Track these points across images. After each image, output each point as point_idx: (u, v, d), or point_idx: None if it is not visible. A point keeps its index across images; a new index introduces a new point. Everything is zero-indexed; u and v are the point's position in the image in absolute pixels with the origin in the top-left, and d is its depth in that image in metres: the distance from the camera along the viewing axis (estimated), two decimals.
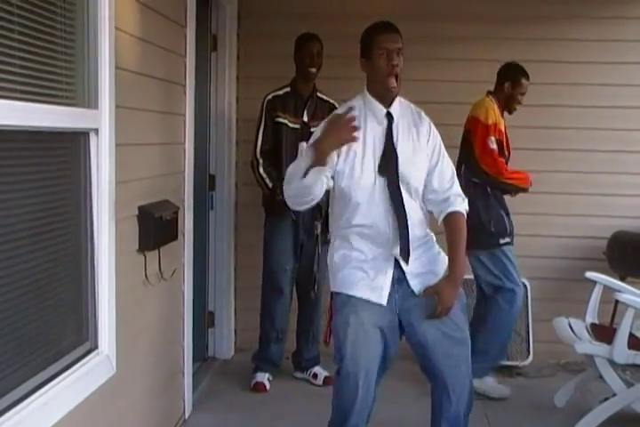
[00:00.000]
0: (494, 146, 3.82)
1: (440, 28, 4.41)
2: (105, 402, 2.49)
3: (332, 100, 3.99)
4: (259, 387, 3.94)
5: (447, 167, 2.69)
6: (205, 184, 4.30)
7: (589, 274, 3.74)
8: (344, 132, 2.49)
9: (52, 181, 2.24)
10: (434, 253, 2.71)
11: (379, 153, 2.61)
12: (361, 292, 2.60)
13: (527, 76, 3.92)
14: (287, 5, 4.45)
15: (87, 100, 2.38)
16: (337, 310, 2.66)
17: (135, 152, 2.78)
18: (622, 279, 3.95)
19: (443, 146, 2.71)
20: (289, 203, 2.68)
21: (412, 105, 2.74)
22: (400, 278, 2.61)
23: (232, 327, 4.57)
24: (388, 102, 2.64)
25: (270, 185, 3.87)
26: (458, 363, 2.63)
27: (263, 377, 3.99)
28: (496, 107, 3.90)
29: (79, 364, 2.33)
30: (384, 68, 2.56)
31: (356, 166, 2.59)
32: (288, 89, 3.96)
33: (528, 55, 4.19)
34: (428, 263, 2.66)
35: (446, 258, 2.67)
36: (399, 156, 2.61)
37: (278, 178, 3.72)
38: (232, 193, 4.48)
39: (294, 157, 3.79)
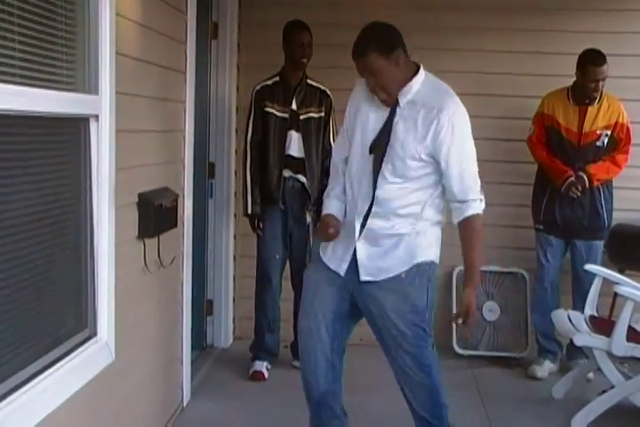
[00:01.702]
0: (531, 133, 4.08)
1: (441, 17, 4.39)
2: (104, 389, 2.49)
3: (322, 87, 3.99)
4: (257, 376, 3.95)
5: (464, 171, 2.62)
6: (205, 172, 4.29)
7: (589, 266, 3.75)
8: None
9: (53, 167, 2.24)
10: (408, 245, 2.66)
11: (374, 135, 2.64)
12: (326, 257, 2.74)
13: (596, 62, 3.86)
14: None
15: (87, 85, 2.37)
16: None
17: (135, 139, 2.77)
18: (621, 272, 3.96)
19: (464, 147, 2.64)
20: None
21: (441, 86, 2.67)
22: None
23: (230, 316, 4.57)
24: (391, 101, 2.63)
25: (250, 211, 3.91)
26: (405, 369, 2.70)
27: (261, 366, 4.00)
28: (564, 95, 3.99)
29: (78, 350, 2.33)
30: (369, 88, 2.64)
31: (353, 145, 2.69)
32: (277, 78, 3.95)
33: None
34: (384, 256, 2.65)
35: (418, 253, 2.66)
36: (392, 139, 2.59)
37: (260, 198, 3.88)
38: (231, 181, 4.46)
39: (282, 145, 3.87)
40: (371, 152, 2.62)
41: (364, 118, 2.67)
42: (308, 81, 3.97)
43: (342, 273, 2.68)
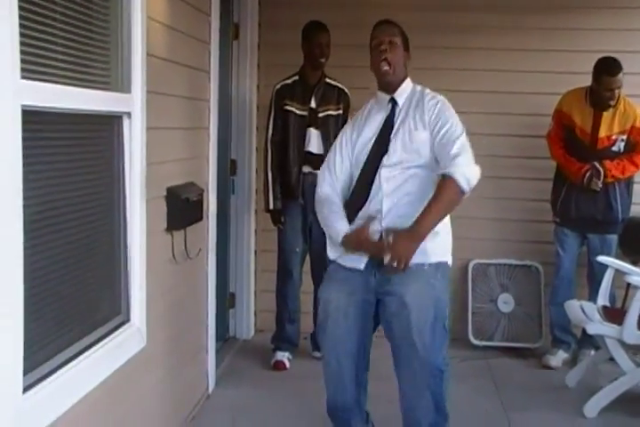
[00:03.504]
0: (550, 129, 4.17)
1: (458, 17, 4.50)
2: (135, 373, 2.62)
3: (340, 86, 4.11)
4: (279, 365, 4.08)
5: (450, 140, 2.59)
6: (227, 169, 4.42)
7: (601, 258, 3.86)
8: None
9: (89, 162, 2.37)
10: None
11: (377, 130, 2.72)
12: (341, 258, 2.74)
13: (611, 72, 3.91)
14: None
15: (121, 84, 2.50)
16: None
17: (164, 135, 2.90)
18: (634, 264, 4.04)
19: (452, 122, 2.64)
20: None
21: (426, 90, 2.77)
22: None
23: (252, 309, 4.70)
24: (391, 89, 2.73)
25: (271, 206, 4.03)
26: (414, 377, 2.61)
27: (283, 356, 4.13)
28: (582, 95, 4.06)
29: (113, 335, 2.46)
30: (374, 56, 2.71)
31: (357, 154, 2.75)
32: (296, 77, 4.07)
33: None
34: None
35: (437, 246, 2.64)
36: (393, 137, 2.66)
37: (281, 194, 4.00)
38: (252, 178, 4.59)
39: (301, 141, 4.00)
40: (373, 148, 2.70)
41: (369, 122, 2.76)
42: (327, 80, 4.09)
43: (362, 266, 2.64)
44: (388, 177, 2.64)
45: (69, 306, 2.24)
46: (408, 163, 2.64)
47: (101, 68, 2.36)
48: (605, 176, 4.03)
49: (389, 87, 2.74)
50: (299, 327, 4.23)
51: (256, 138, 4.59)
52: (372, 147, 2.71)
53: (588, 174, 4.03)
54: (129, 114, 2.54)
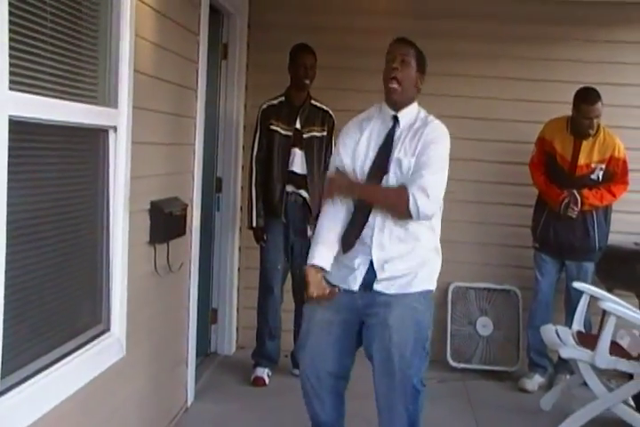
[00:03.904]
0: (533, 155, 4.28)
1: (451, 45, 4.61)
2: (114, 382, 2.65)
3: (325, 108, 4.19)
4: (258, 381, 4.11)
5: (425, 167, 2.63)
6: (212, 186, 4.49)
7: (577, 284, 3.91)
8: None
9: (74, 173, 2.44)
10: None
11: (375, 150, 2.74)
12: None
13: (589, 101, 4.02)
14: (295, 18, 4.64)
15: (108, 99, 2.57)
16: None
17: (149, 150, 2.97)
18: (609, 291, 4.11)
19: (439, 158, 2.68)
20: None
21: (429, 117, 2.77)
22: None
23: (234, 325, 4.74)
24: (397, 107, 2.75)
25: (254, 224, 4.11)
26: (392, 392, 2.66)
27: (262, 372, 4.16)
28: (564, 124, 4.16)
29: (92, 343, 2.51)
30: (385, 72, 2.74)
31: (356, 167, 2.76)
32: (282, 98, 4.16)
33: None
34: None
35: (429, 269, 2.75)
36: (392, 156, 2.69)
37: (264, 211, 4.08)
38: (237, 195, 4.66)
39: (285, 161, 4.08)
40: (370, 170, 2.72)
41: (366, 142, 2.76)
42: (312, 101, 4.18)
43: (357, 287, 2.69)
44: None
45: (49, 314, 2.28)
46: None
47: (89, 82, 2.43)
48: (583, 204, 4.11)
49: (395, 105, 2.76)
50: (279, 344, 4.27)
51: (242, 156, 4.66)
52: (371, 169, 2.72)
53: (565, 201, 4.11)
54: (115, 128, 2.61)
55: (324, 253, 2.73)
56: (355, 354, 2.80)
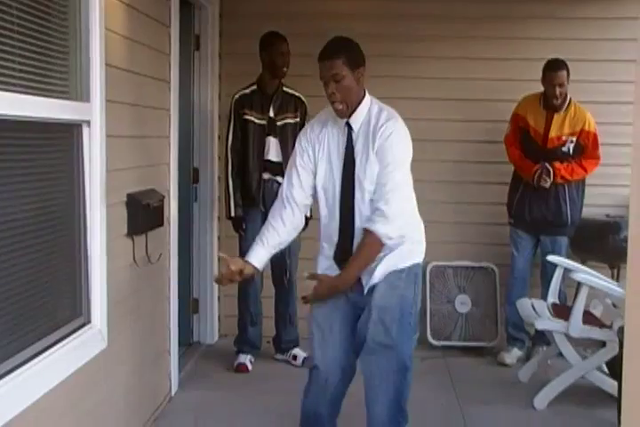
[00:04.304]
0: (508, 131, 4.38)
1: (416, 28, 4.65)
2: (96, 374, 2.69)
3: (297, 94, 4.22)
4: (241, 368, 4.17)
5: (387, 181, 2.64)
6: (189, 177, 4.51)
7: (551, 257, 4.04)
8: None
9: (49, 169, 2.46)
10: (395, 255, 2.74)
11: (340, 162, 2.72)
12: None
13: (554, 68, 4.16)
14: (266, 6, 4.66)
15: (80, 94, 2.59)
16: None
17: (124, 143, 2.99)
18: (583, 263, 4.23)
19: (397, 160, 2.66)
20: None
21: (383, 113, 2.71)
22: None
23: (215, 314, 4.78)
24: (349, 115, 2.71)
25: (233, 213, 4.14)
26: (380, 372, 2.70)
27: (245, 359, 4.21)
28: (537, 99, 4.28)
29: (73, 336, 2.54)
30: (326, 91, 2.68)
31: (325, 176, 2.75)
32: (254, 87, 4.17)
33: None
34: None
35: (410, 253, 2.77)
36: (356, 163, 2.68)
37: (242, 201, 4.10)
38: (215, 186, 4.68)
39: (261, 150, 4.10)
40: (342, 182, 2.71)
41: (326, 153, 2.74)
42: (284, 89, 4.20)
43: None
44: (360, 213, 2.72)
45: (29, 308, 2.30)
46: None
47: (60, 77, 2.45)
48: (555, 176, 4.20)
49: (345, 114, 2.71)
50: (260, 331, 4.32)
51: (218, 146, 4.68)
52: (343, 182, 2.71)
53: (538, 172, 4.22)
54: (88, 122, 2.63)
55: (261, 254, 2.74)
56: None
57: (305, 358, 4.19)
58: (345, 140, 2.73)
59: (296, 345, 4.33)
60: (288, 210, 2.76)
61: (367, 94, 2.75)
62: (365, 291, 2.75)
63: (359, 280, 2.75)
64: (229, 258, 2.74)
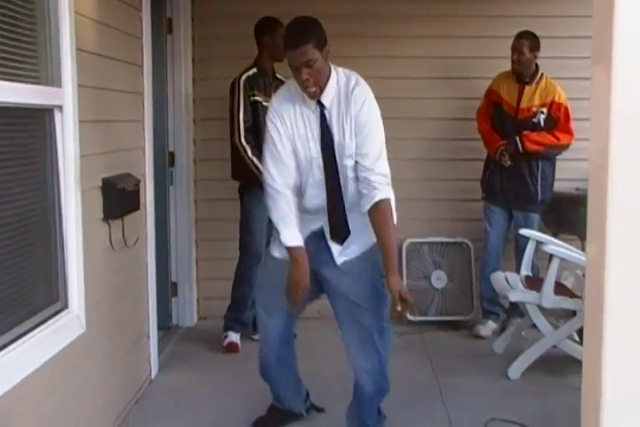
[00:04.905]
0: (481, 105, 4.47)
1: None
2: (75, 358, 2.71)
3: (284, 79, 4.20)
4: (233, 346, 4.18)
5: (373, 146, 2.67)
6: (165, 161, 4.51)
7: (522, 231, 4.12)
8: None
9: (22, 154, 2.46)
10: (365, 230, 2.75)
11: (317, 137, 2.72)
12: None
13: (515, 36, 4.27)
14: None
15: (51, 78, 2.58)
16: None
17: (97, 128, 2.99)
18: (555, 236, 4.31)
19: (375, 125, 2.69)
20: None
21: (351, 81, 2.71)
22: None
23: (194, 297, 4.80)
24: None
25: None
26: (361, 337, 2.80)
27: (237, 338, 4.23)
28: (509, 74, 4.38)
29: (51, 321, 2.55)
30: (296, 78, 2.66)
31: (300, 151, 2.75)
32: (255, 70, 4.14)
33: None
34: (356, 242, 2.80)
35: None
36: (334, 139, 2.70)
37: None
38: (191, 169, 4.69)
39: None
40: (324, 162, 2.72)
41: (301, 131, 2.73)
42: (277, 75, 4.20)
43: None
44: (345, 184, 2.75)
45: (4, 294, 2.31)
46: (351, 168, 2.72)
47: (30, 62, 2.45)
48: (524, 145, 4.26)
49: (317, 95, 2.69)
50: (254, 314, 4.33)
51: (193, 130, 4.68)
52: (324, 157, 2.72)
53: (501, 149, 4.30)
54: (60, 107, 2.63)
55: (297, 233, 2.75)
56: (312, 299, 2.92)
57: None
58: (318, 118, 2.72)
59: None
60: (288, 195, 2.75)
61: (331, 66, 2.73)
62: (339, 263, 2.79)
63: (329, 251, 2.79)
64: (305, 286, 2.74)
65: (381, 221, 2.64)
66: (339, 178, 2.74)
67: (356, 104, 2.67)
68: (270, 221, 2.86)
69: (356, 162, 2.70)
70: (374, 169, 2.66)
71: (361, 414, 2.94)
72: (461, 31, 4.71)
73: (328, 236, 2.81)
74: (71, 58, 2.65)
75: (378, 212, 2.64)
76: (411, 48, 4.70)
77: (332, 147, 2.72)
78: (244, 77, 4.12)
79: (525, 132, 4.29)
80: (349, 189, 2.76)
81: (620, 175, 1.13)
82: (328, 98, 2.71)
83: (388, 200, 2.65)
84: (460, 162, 4.78)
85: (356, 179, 2.72)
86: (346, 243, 2.80)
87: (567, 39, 4.61)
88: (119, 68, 3.29)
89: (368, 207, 2.65)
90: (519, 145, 4.28)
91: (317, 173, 2.76)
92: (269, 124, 2.76)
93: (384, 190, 2.65)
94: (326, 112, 2.72)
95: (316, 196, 2.78)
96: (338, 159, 2.72)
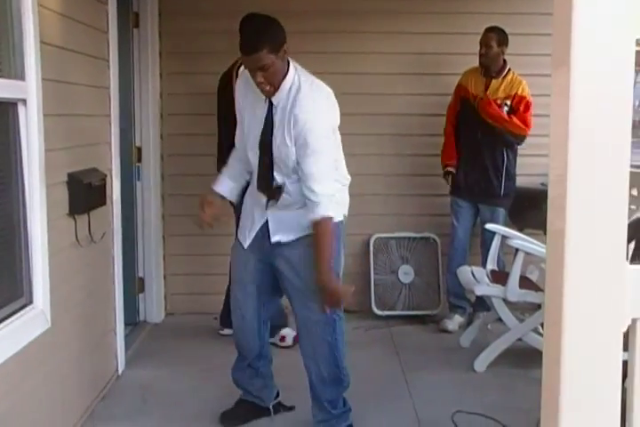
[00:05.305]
0: (451, 102, 4.55)
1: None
2: (42, 353, 2.69)
3: None
4: None
5: (313, 167, 2.67)
6: (132, 156, 4.48)
7: (488, 226, 4.18)
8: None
9: None
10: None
11: (259, 128, 2.80)
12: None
13: (484, 31, 4.35)
14: None
15: (14, 72, 2.55)
16: None
17: (63, 122, 2.96)
18: (521, 230, 4.37)
19: (318, 146, 2.67)
20: None
21: (300, 92, 2.68)
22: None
23: (162, 293, 4.78)
24: None
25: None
26: (311, 324, 2.90)
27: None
28: (477, 69, 4.46)
29: (14, 317, 2.53)
30: (254, 81, 2.68)
31: (247, 135, 2.89)
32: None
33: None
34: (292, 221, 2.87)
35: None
36: (274, 140, 2.75)
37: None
38: (158, 165, 4.66)
39: None
40: (260, 151, 2.82)
41: (251, 113, 2.83)
42: None
43: (246, 245, 2.95)
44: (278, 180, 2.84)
45: None
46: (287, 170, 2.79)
47: None
48: (481, 108, 4.36)
49: (272, 94, 2.72)
50: None
51: (160, 125, 4.65)
52: (260, 146, 2.80)
53: (448, 169, 4.48)
54: (24, 101, 2.60)
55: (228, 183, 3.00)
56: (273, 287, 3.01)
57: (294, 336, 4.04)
58: (265, 111, 2.77)
59: (284, 325, 4.19)
60: (240, 152, 2.96)
61: (291, 65, 2.73)
62: (273, 241, 2.88)
63: (267, 233, 2.88)
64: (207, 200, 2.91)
65: (317, 241, 2.72)
66: (272, 167, 2.80)
67: (297, 125, 2.66)
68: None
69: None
70: (314, 190, 2.68)
71: (316, 399, 2.98)
72: (430, 28, 4.73)
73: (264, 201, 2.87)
74: (35, 51, 2.62)
75: (316, 231, 2.72)
76: (380, 44, 4.71)
77: (271, 141, 2.76)
78: (241, 68, 4.08)
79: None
80: (290, 188, 2.80)
81: (579, 171, 1.16)
82: (278, 98, 2.73)
83: (326, 220, 2.68)
84: (427, 157, 4.80)
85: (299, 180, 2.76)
86: (279, 218, 2.86)
87: (531, 36, 4.64)
88: (85, 61, 3.26)
89: (310, 221, 2.72)
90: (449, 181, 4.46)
91: (254, 158, 2.86)
92: (236, 93, 2.95)
93: (325, 208, 2.68)
94: (274, 109, 2.75)
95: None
96: (275, 153, 2.77)
